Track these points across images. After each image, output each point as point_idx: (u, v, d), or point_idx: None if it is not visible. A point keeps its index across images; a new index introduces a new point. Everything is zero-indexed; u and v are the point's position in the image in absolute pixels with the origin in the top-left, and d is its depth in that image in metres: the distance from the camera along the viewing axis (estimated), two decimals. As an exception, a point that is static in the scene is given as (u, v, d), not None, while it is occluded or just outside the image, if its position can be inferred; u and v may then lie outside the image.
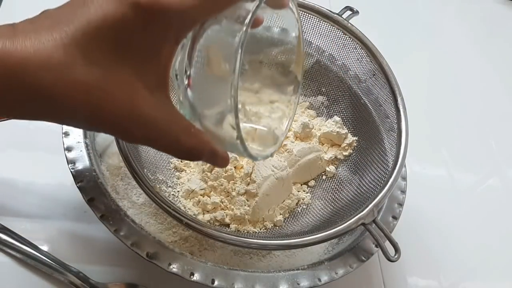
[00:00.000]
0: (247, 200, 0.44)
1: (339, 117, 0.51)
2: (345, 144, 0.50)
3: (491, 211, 0.55)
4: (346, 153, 0.50)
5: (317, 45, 0.52)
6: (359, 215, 0.38)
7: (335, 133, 0.49)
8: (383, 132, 0.47)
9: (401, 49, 0.72)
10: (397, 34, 0.74)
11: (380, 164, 0.45)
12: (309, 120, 0.50)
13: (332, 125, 0.50)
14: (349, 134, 0.50)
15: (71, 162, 0.40)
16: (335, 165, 0.50)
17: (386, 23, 0.75)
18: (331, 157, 0.50)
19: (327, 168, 0.50)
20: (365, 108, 0.50)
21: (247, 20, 0.22)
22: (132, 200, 0.43)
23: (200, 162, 0.46)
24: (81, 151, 0.41)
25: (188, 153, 0.26)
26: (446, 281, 0.49)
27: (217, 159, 0.28)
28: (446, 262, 0.50)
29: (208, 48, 0.24)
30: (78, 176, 0.40)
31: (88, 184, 0.39)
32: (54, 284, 0.39)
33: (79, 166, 0.40)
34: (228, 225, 0.44)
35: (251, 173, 0.44)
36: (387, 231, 0.39)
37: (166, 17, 0.22)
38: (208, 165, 0.45)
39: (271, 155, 0.30)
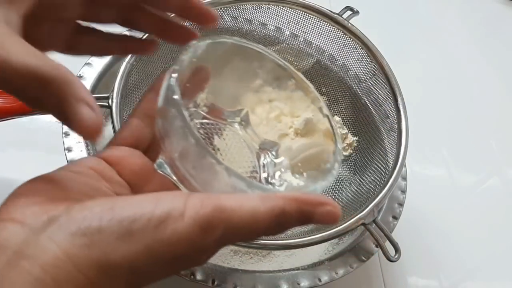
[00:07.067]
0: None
1: (339, 117, 0.51)
2: (345, 144, 0.50)
3: (491, 211, 0.55)
4: (346, 153, 0.50)
5: (317, 45, 0.52)
6: (359, 215, 0.38)
7: (335, 133, 0.49)
8: (383, 132, 0.47)
9: (401, 49, 0.71)
10: (397, 34, 0.74)
11: (380, 164, 0.45)
12: (312, 115, 0.50)
13: (332, 125, 0.50)
14: (349, 134, 0.50)
15: (71, 162, 0.40)
16: (335, 165, 0.50)
17: (386, 23, 0.75)
18: (331, 157, 0.50)
19: (327, 168, 0.50)
20: (365, 108, 0.50)
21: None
22: (132, 200, 0.43)
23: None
24: (81, 151, 0.41)
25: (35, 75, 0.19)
26: (446, 281, 0.49)
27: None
28: (446, 262, 0.50)
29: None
30: (78, 176, 0.39)
31: (88, 184, 0.39)
32: None
33: (79, 166, 0.40)
34: (228, 225, 0.44)
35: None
36: (387, 231, 0.39)
37: None
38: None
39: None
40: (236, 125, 0.29)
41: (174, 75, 0.22)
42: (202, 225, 0.18)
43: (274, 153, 0.29)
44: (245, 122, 0.30)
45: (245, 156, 0.28)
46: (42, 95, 0.19)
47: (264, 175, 0.28)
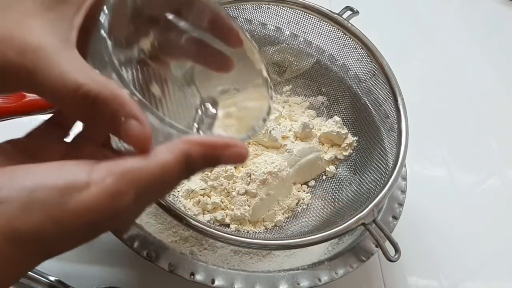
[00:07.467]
0: (247, 200, 0.44)
1: (339, 117, 0.51)
2: (345, 144, 0.50)
3: (491, 211, 0.55)
4: (346, 153, 0.50)
5: (317, 45, 0.52)
6: (359, 215, 0.38)
7: (335, 133, 0.49)
8: (383, 132, 0.47)
9: (401, 49, 0.72)
10: (397, 34, 0.74)
11: (380, 164, 0.45)
12: (309, 120, 0.50)
13: (332, 125, 0.50)
14: (349, 134, 0.50)
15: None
16: (335, 165, 0.50)
17: (386, 23, 0.75)
18: (331, 157, 0.50)
19: (327, 168, 0.50)
20: (365, 108, 0.50)
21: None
22: (132, 200, 0.43)
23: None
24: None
25: (83, 96, 0.19)
26: (446, 281, 0.49)
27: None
28: (446, 262, 0.50)
29: None
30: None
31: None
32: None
33: (79, 166, 0.40)
34: (228, 225, 0.44)
35: (251, 173, 0.44)
36: (387, 231, 0.39)
37: None
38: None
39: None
40: (180, 78, 0.28)
41: (106, 11, 0.21)
42: (112, 193, 0.18)
43: (213, 110, 0.28)
44: (189, 76, 0.29)
45: (184, 108, 0.27)
46: (91, 112, 0.20)
47: (199, 128, 0.27)
